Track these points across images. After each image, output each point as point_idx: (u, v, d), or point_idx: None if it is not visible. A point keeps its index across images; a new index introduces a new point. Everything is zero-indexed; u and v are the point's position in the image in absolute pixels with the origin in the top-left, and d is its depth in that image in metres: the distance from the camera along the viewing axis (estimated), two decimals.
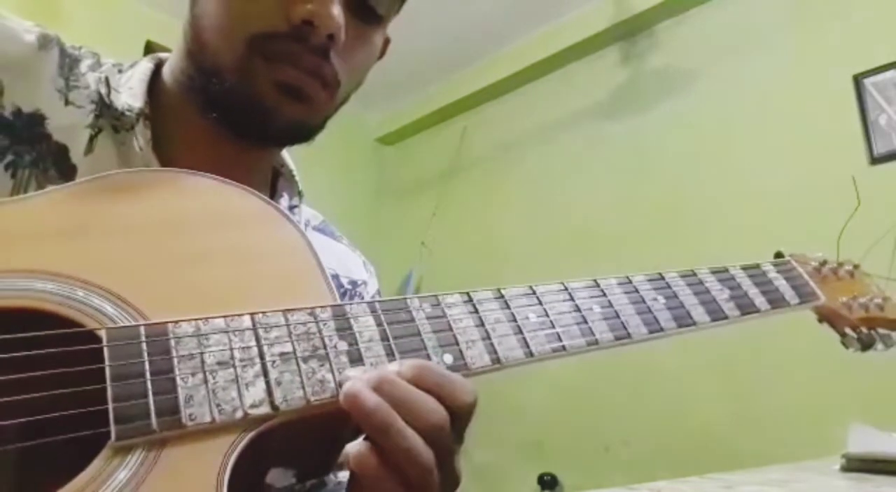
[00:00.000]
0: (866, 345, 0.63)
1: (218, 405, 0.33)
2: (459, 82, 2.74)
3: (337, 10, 0.48)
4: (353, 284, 0.67)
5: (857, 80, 1.76)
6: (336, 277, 0.64)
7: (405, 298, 0.41)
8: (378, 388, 0.34)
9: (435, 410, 0.35)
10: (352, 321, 0.39)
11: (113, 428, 0.30)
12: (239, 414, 0.33)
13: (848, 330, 0.64)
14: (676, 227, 2.01)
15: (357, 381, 0.34)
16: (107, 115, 0.51)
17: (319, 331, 0.37)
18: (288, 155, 0.64)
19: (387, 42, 0.61)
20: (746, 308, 0.54)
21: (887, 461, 0.66)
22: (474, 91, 2.70)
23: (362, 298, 0.67)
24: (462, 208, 2.72)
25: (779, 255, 0.64)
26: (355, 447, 0.34)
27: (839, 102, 1.77)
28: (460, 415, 0.36)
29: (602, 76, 2.36)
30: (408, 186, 3.01)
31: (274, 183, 0.62)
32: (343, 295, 0.65)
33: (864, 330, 0.63)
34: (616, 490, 0.64)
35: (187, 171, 0.43)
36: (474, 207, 2.68)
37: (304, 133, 0.55)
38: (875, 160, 1.69)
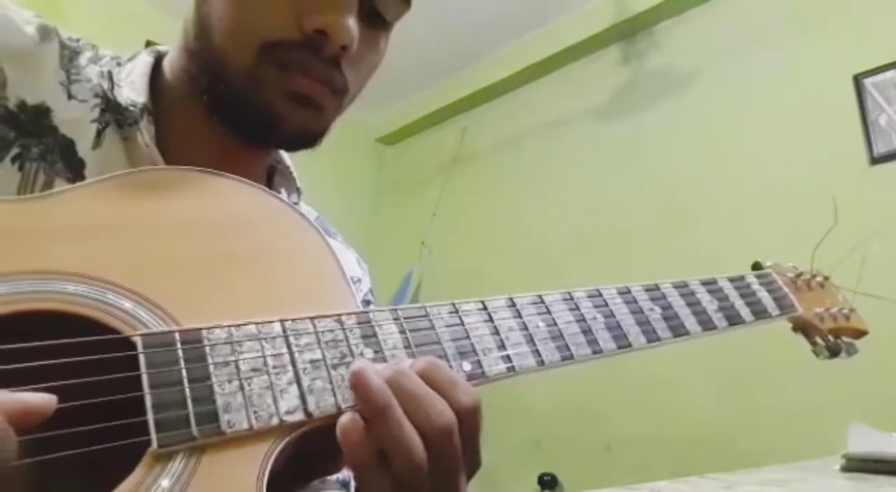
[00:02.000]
0: (834, 353, 0.68)
1: (255, 412, 0.33)
2: (459, 82, 2.74)
3: (352, 22, 0.47)
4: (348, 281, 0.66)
5: (857, 80, 1.76)
6: None
7: (425, 306, 0.42)
8: (392, 379, 0.34)
9: (443, 411, 0.35)
10: (376, 328, 0.39)
11: (154, 436, 0.30)
12: (275, 421, 0.33)
13: (818, 339, 0.68)
14: (676, 226, 2.01)
15: (365, 362, 0.36)
16: (112, 109, 0.50)
17: (346, 338, 0.38)
18: (285, 152, 0.63)
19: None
20: (734, 319, 0.57)
21: (887, 461, 0.66)
22: (474, 91, 2.70)
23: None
24: (462, 208, 2.72)
25: (757, 265, 0.68)
26: (344, 416, 0.34)
27: (839, 102, 1.78)
28: (463, 419, 0.35)
29: (602, 76, 2.36)
30: (408, 186, 3.02)
31: (270, 179, 0.62)
32: None
33: (832, 339, 0.68)
34: (616, 490, 0.64)
35: (210, 170, 0.42)
36: (474, 206, 2.68)
37: (310, 139, 0.54)
38: (875, 160, 1.69)
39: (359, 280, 0.67)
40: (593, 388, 2.07)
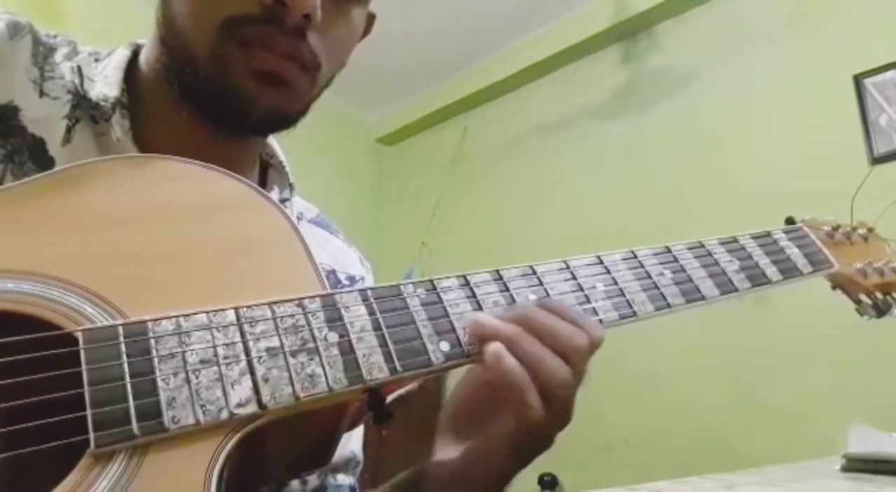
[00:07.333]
0: (882, 311, 0.61)
1: (202, 406, 0.31)
2: (459, 82, 2.74)
3: None
4: (351, 279, 0.65)
5: (857, 80, 1.76)
6: (333, 272, 0.63)
7: (399, 284, 0.39)
8: (519, 316, 0.39)
9: (577, 333, 0.39)
10: (342, 311, 0.37)
11: (92, 435, 0.29)
12: (224, 415, 0.31)
13: (863, 296, 0.61)
14: (676, 226, 2.00)
15: (482, 315, 0.39)
16: (84, 105, 0.49)
17: (308, 323, 0.35)
18: (278, 146, 0.62)
19: (372, 18, 0.58)
20: (757, 280, 0.52)
21: (887, 461, 0.66)
22: (474, 91, 2.69)
23: None
24: (462, 208, 2.71)
25: (790, 220, 0.62)
26: (491, 348, 0.37)
27: (839, 102, 1.77)
28: (592, 349, 0.41)
29: (602, 76, 2.35)
30: (408, 186, 3.01)
31: (264, 175, 0.60)
32: None
33: (880, 296, 0.61)
34: (616, 490, 0.64)
35: (165, 156, 0.40)
36: (474, 206, 2.68)
37: (284, 120, 0.52)
38: (875, 160, 1.69)
39: (361, 279, 0.66)
40: (593, 387, 2.05)
